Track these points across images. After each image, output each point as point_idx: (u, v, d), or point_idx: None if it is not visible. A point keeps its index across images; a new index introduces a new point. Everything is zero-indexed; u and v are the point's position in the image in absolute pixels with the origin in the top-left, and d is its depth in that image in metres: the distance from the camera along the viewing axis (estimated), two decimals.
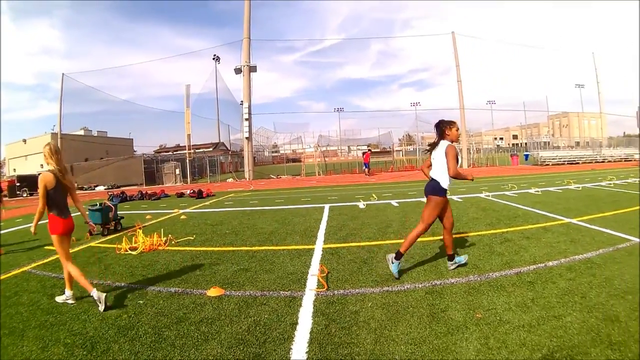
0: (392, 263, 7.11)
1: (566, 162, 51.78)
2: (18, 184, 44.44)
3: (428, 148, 7.53)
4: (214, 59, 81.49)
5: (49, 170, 6.43)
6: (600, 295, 5.81)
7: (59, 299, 6.73)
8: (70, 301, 6.60)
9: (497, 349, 4.37)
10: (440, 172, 7.04)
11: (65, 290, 6.68)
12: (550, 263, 7.48)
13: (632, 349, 4.25)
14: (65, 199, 6.69)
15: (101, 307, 6.16)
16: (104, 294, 6.26)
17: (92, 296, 6.28)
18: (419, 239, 8.04)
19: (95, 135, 76.45)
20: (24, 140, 71.68)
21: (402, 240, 8.93)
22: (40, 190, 6.32)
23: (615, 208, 13.12)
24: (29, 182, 44.75)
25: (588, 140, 76.19)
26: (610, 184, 21.52)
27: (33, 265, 9.19)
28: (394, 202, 17.83)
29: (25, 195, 42.57)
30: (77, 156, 60.07)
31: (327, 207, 17.41)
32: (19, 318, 5.99)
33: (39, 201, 6.38)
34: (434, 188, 7.09)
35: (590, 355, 4.17)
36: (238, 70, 53.54)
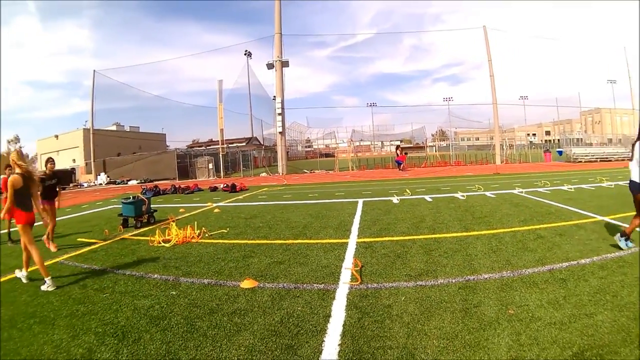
0: (620, 240, 7.96)
1: (599, 159, 50.94)
2: None
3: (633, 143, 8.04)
4: (245, 54, 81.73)
5: (17, 173, 7.32)
6: (631, 294, 5.73)
7: (44, 287, 7.12)
8: (50, 288, 7.05)
9: (529, 346, 4.36)
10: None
11: (22, 271, 7.64)
12: (583, 261, 7.40)
13: None
14: (30, 197, 7.60)
15: (48, 288, 7.04)
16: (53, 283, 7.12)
17: (45, 281, 7.10)
18: (452, 234, 8.06)
19: (128, 130, 76.95)
20: (56, 136, 72.35)
21: (436, 235, 9.22)
22: (10, 190, 7.22)
23: None
24: (60, 177, 45.42)
25: (620, 137, 74.79)
26: None
27: (65, 256, 9.41)
28: (427, 197, 17.80)
29: (57, 189, 43.16)
30: (110, 151, 60.80)
31: (360, 201, 17.42)
32: (50, 307, 6.14)
33: (8, 199, 7.27)
34: (634, 186, 7.79)
35: (620, 354, 4.14)
36: (270, 66, 53.67)
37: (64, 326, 5.34)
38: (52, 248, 10.24)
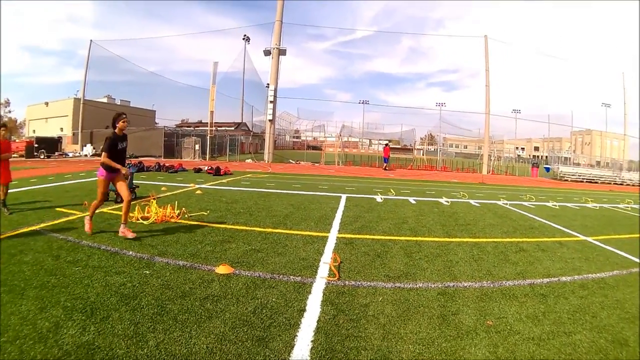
0: None
1: (585, 180, 51.30)
2: (36, 145, 44.82)
3: None
4: (244, 39, 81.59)
5: None
6: (611, 316, 5.73)
7: None
8: None
9: (506, 359, 4.28)
10: None
11: None
12: (564, 278, 7.40)
13: None
14: None
15: None
16: None
17: None
18: (434, 239, 8.03)
19: (118, 103, 76.42)
20: (46, 103, 71.95)
21: (417, 238, 9.18)
22: None
23: (631, 231, 12.96)
24: (47, 144, 45.19)
25: (609, 160, 75.28)
26: (627, 207, 21.23)
27: (42, 225, 9.18)
28: (411, 200, 17.78)
29: (42, 157, 42.93)
30: (98, 123, 59.97)
31: (344, 197, 17.38)
32: (21, 276, 5.94)
33: None
34: None
35: None
36: (267, 52, 53.63)
37: (33, 297, 5.17)
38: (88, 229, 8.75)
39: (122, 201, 11.46)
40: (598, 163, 75.83)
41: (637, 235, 12.16)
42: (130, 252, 7.40)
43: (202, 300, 5.40)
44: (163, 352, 4.05)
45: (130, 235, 8.38)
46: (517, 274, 7.48)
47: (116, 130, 8.72)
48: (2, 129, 10.46)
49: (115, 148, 8.63)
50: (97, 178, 8.87)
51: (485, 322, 5.20)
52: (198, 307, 5.16)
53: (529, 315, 5.55)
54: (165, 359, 3.95)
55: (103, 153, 8.52)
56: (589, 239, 11.12)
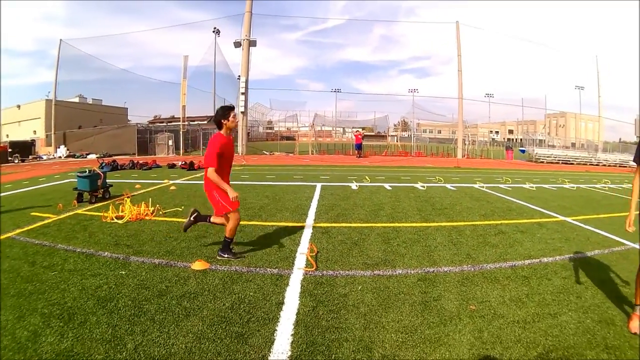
0: None
1: (561, 162, 51.74)
2: (10, 150, 43.93)
3: None
4: (214, 31, 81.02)
5: None
6: (595, 296, 5.72)
7: None
8: None
9: (492, 344, 4.25)
10: None
11: None
12: (545, 259, 7.40)
13: (627, 355, 4.16)
14: None
15: None
16: None
17: None
18: (411, 224, 7.94)
19: (90, 102, 75.67)
20: (18, 106, 70.63)
21: (395, 224, 9.17)
22: None
23: (609, 211, 13.03)
24: (21, 148, 44.40)
25: (584, 142, 76.01)
26: (604, 187, 21.39)
27: (17, 231, 8.90)
28: (386, 186, 17.84)
29: (16, 161, 42.04)
30: (71, 123, 59.40)
31: (319, 185, 17.34)
32: None
33: None
34: None
35: (585, 357, 4.09)
36: (237, 44, 53.31)
37: (10, 306, 5.00)
38: None
39: (96, 201, 11.30)
40: (573, 145, 76.82)
41: (616, 215, 12.22)
42: (106, 253, 7.23)
43: (179, 298, 5.29)
44: (142, 355, 3.95)
45: None
46: (498, 256, 7.46)
47: None
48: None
49: None
50: None
51: (468, 307, 5.16)
52: (175, 305, 5.05)
53: (513, 298, 5.52)
54: None
55: None
56: (568, 219, 11.16)
